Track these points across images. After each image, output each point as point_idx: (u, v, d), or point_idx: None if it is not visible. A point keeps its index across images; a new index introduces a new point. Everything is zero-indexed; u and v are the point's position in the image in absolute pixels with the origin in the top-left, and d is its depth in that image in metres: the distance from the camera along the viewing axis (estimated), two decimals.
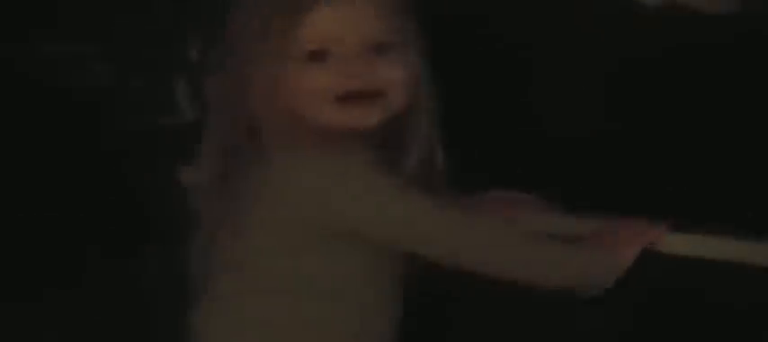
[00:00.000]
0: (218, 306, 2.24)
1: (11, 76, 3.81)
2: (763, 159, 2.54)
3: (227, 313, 2.23)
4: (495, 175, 2.50)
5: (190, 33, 3.04)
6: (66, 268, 3.69)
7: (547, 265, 2.19)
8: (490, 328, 2.81)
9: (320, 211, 2.09)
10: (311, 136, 2.09)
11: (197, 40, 3.06)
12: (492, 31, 2.88)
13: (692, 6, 2.60)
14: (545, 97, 2.77)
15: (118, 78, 3.68)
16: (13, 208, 3.75)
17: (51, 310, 3.44)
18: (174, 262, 2.28)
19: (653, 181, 2.58)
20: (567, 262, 2.20)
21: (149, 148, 3.07)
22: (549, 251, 2.19)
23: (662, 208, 2.31)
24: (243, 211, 2.14)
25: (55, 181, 3.68)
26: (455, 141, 2.24)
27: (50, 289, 3.22)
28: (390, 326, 2.26)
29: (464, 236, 2.16)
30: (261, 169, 2.11)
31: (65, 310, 3.32)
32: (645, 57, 2.66)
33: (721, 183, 2.56)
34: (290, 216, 2.11)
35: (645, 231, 2.23)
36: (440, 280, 2.23)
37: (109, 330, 3.44)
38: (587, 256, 2.22)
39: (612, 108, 2.70)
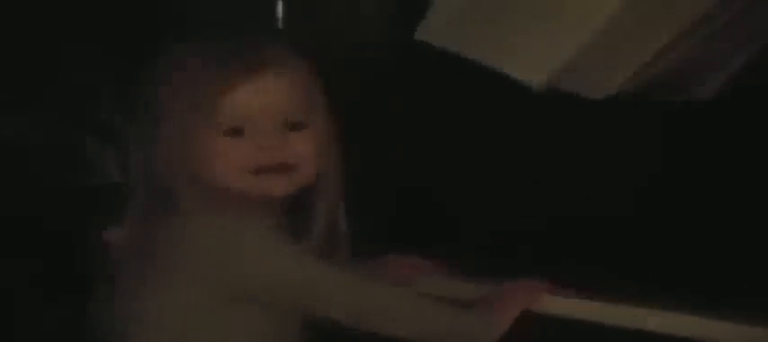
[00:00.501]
0: None
1: None
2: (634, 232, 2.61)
3: None
4: (394, 241, 2.57)
5: (115, 99, 3.03)
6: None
7: (435, 327, 2.27)
8: None
9: (221, 273, 2.18)
10: (223, 201, 2.19)
11: (122, 105, 3.04)
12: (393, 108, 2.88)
13: (573, 91, 2.60)
14: (439, 173, 2.80)
15: (47, 139, 3.73)
16: None
17: None
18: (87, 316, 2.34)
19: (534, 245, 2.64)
20: (453, 323, 2.29)
21: (76, 206, 3.08)
22: (437, 314, 2.29)
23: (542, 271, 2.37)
24: (156, 270, 2.22)
25: None
26: (359, 209, 2.39)
27: None
28: None
29: (361, 299, 2.25)
30: (175, 231, 2.19)
31: None
32: (528, 136, 2.75)
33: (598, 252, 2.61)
34: (195, 276, 2.19)
35: (526, 296, 2.32)
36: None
37: None
38: (471, 318, 2.31)
39: (499, 182, 2.76)
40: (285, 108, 2.21)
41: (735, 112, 2.63)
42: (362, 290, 2.27)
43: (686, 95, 2.60)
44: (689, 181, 2.65)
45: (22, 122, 3.07)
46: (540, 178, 2.78)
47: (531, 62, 2.58)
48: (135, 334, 2.29)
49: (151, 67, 2.26)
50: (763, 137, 2.63)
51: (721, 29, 2.59)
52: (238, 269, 2.18)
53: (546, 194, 2.74)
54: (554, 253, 2.65)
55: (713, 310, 2.21)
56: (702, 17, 2.55)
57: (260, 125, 2.18)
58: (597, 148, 2.74)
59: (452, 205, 2.79)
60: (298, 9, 3.50)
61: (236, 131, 2.17)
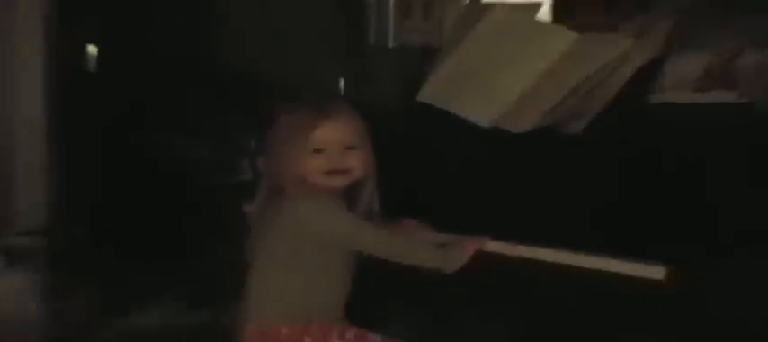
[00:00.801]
0: (260, 275, 2.65)
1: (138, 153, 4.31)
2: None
3: (267, 282, 2.64)
4: (405, 212, 2.78)
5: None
6: None
7: (423, 258, 2.60)
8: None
9: (310, 228, 2.55)
10: (309, 190, 2.55)
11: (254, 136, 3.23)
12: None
13: (506, 127, 2.75)
14: (426, 183, 2.93)
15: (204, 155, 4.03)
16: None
17: None
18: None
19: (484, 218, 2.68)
20: (434, 256, 2.61)
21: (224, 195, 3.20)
22: (425, 250, 2.63)
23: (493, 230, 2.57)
24: (274, 226, 2.58)
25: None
26: (385, 198, 2.66)
27: None
28: (348, 284, 2.65)
29: (384, 244, 2.59)
30: (284, 206, 2.55)
31: None
32: (472, 161, 2.84)
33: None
34: (296, 231, 2.56)
35: (477, 243, 2.61)
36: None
37: None
38: (444, 253, 2.61)
39: (460, 188, 2.86)
40: (343, 138, 2.57)
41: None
42: (385, 239, 2.61)
43: (565, 130, 2.68)
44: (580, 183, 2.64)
45: (202, 147, 3.18)
46: (488, 185, 2.82)
47: (483, 111, 2.81)
48: (260, 262, 2.64)
49: (270, 116, 2.60)
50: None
51: (585, 91, 2.68)
52: (320, 226, 2.56)
53: (491, 196, 2.79)
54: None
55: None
56: (583, 80, 2.69)
57: (332, 148, 2.55)
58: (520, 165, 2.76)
59: (432, 203, 2.86)
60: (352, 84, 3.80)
61: (318, 151, 2.55)
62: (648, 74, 2.65)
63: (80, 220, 4.26)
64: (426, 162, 2.98)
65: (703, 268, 2.17)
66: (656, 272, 2.22)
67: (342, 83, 4.04)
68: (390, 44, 5.56)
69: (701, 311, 2.15)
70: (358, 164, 2.61)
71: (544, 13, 3.49)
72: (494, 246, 2.59)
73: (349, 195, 2.64)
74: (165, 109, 4.46)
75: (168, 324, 3.66)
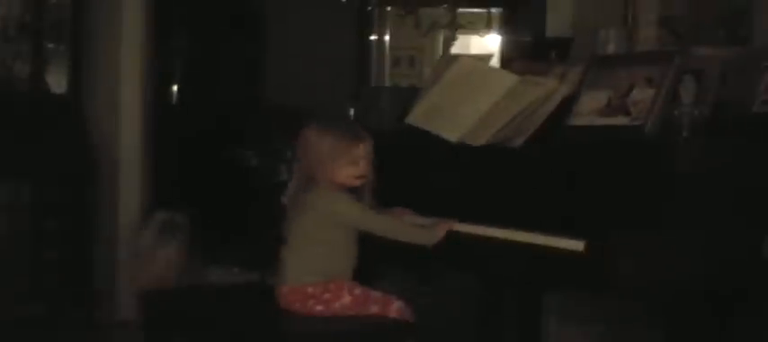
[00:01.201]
0: (291, 247, 2.63)
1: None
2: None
3: (298, 252, 2.62)
4: (397, 202, 2.72)
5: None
6: None
7: (410, 236, 2.57)
8: None
9: (332, 212, 2.57)
10: (335, 185, 2.56)
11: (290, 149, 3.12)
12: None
13: (468, 142, 2.68)
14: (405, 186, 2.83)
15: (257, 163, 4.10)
16: None
17: None
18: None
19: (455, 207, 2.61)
20: (418, 234, 2.58)
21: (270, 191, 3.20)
22: (411, 229, 2.60)
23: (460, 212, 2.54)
24: (304, 211, 2.57)
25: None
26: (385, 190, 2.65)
27: None
28: (355, 253, 2.63)
29: (382, 225, 2.59)
30: (312, 195, 2.56)
31: None
32: (445, 165, 2.78)
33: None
34: (320, 214, 2.57)
35: (448, 223, 2.55)
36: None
37: None
38: (427, 231, 2.57)
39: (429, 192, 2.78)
40: (370, 154, 2.59)
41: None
42: (385, 221, 2.61)
43: (509, 144, 2.60)
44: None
45: (255, 157, 3.05)
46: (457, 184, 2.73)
47: (452, 130, 2.76)
48: (292, 237, 2.62)
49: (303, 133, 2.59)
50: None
51: (523, 117, 2.64)
52: (338, 211, 2.57)
53: (458, 190, 2.71)
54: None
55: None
56: (522, 109, 2.65)
57: (363, 161, 2.58)
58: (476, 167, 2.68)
59: (417, 195, 2.76)
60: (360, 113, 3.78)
61: (354, 163, 2.57)
62: (568, 104, 2.61)
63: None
64: (413, 166, 2.92)
65: (609, 242, 2.12)
66: (576, 245, 2.19)
67: (352, 112, 3.98)
68: (386, 84, 5.55)
69: (609, 273, 2.10)
70: (368, 171, 2.60)
71: (494, 62, 3.48)
72: (460, 226, 2.55)
73: (355, 190, 2.61)
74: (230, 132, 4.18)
75: (232, 281, 3.53)
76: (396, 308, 2.57)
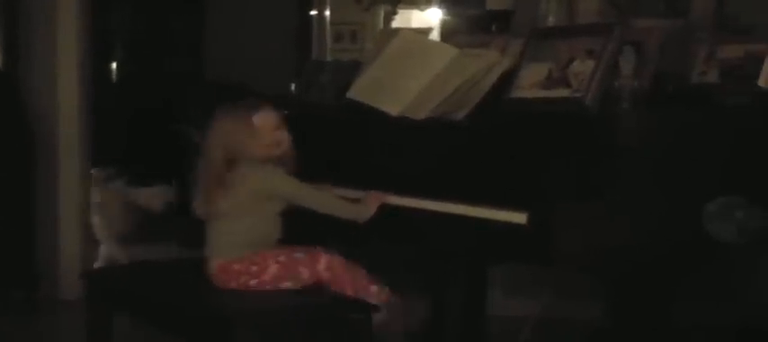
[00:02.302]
0: (218, 226, 2.60)
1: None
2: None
3: (223, 228, 2.59)
4: (337, 176, 2.73)
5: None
6: None
7: (341, 210, 2.57)
8: None
9: (268, 186, 2.57)
10: (260, 160, 2.56)
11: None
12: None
13: (410, 115, 2.64)
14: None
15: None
16: None
17: None
18: None
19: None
20: (349, 209, 2.57)
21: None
22: (342, 204, 2.58)
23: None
24: (233, 185, 2.54)
25: None
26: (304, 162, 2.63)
27: None
28: (279, 226, 2.63)
29: (313, 198, 2.58)
30: (241, 170, 2.54)
31: None
32: (386, 139, 2.73)
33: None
34: (254, 187, 2.56)
35: (381, 197, 2.55)
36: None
37: None
38: (357, 206, 2.57)
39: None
40: (273, 121, 2.58)
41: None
42: (319, 196, 2.60)
43: (451, 118, 2.58)
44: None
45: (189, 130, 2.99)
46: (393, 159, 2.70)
47: (393, 104, 2.73)
48: (218, 217, 2.59)
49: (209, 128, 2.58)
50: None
51: (465, 90, 2.61)
52: (275, 185, 2.57)
53: (400, 163, 2.67)
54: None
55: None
56: (463, 82, 2.61)
57: (264, 129, 2.56)
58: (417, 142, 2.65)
59: (359, 167, 2.77)
60: (301, 88, 3.57)
61: (260, 135, 2.55)
62: (509, 77, 2.58)
63: None
64: (354, 141, 2.90)
65: (551, 214, 2.10)
66: (519, 217, 2.17)
67: (293, 87, 3.93)
68: (328, 59, 5.52)
69: (551, 245, 2.08)
70: (285, 139, 2.58)
71: (434, 35, 3.45)
72: (402, 200, 2.52)
73: (280, 160, 2.61)
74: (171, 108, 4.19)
75: (174, 258, 3.38)
76: (324, 265, 2.55)
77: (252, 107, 2.56)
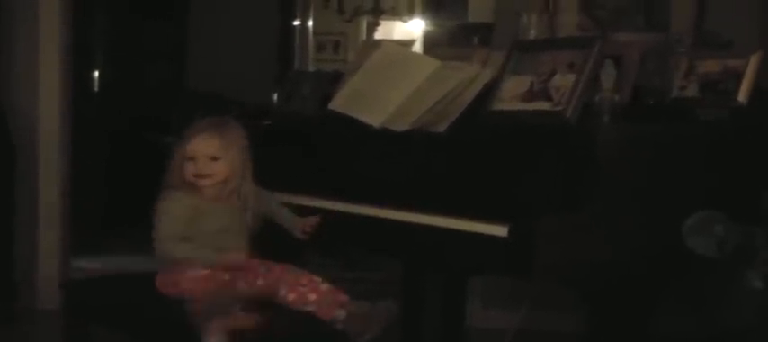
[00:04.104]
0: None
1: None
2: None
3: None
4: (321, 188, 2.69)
5: None
6: None
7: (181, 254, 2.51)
8: None
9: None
10: (188, 186, 2.52)
11: None
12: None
13: (390, 127, 2.64)
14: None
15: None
16: None
17: None
18: None
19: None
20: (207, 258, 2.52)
21: None
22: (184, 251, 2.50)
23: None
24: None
25: None
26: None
27: None
28: (218, 241, 2.53)
29: (161, 249, 2.50)
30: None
31: None
32: (368, 149, 2.73)
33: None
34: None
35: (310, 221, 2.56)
36: None
37: None
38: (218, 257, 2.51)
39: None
40: (210, 150, 2.50)
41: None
42: (165, 248, 2.50)
43: (432, 130, 2.57)
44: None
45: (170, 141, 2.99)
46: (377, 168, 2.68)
47: (375, 115, 2.71)
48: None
49: None
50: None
51: (446, 102, 2.60)
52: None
53: (382, 173, 2.64)
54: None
55: None
56: (444, 94, 2.61)
57: (200, 156, 2.50)
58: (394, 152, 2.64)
59: (344, 178, 2.73)
60: (283, 98, 3.49)
61: (191, 159, 2.50)
62: (490, 90, 2.57)
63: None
64: (336, 152, 2.88)
65: (532, 227, 2.07)
66: (500, 230, 2.15)
67: (275, 97, 3.93)
68: (310, 69, 5.52)
69: (532, 258, 2.06)
70: (221, 170, 2.50)
71: (417, 47, 3.51)
72: (383, 211, 2.47)
73: (223, 189, 2.55)
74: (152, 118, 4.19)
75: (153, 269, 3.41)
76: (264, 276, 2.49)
77: (192, 131, 2.53)
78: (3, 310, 4.24)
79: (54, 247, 4.44)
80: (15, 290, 4.33)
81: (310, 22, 6.25)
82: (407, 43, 3.18)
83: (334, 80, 2.99)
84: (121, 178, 5.86)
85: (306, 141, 2.88)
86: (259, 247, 2.58)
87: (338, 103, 2.85)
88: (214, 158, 2.49)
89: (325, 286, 2.47)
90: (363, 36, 5.81)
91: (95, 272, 4.63)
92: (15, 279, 4.35)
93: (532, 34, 2.96)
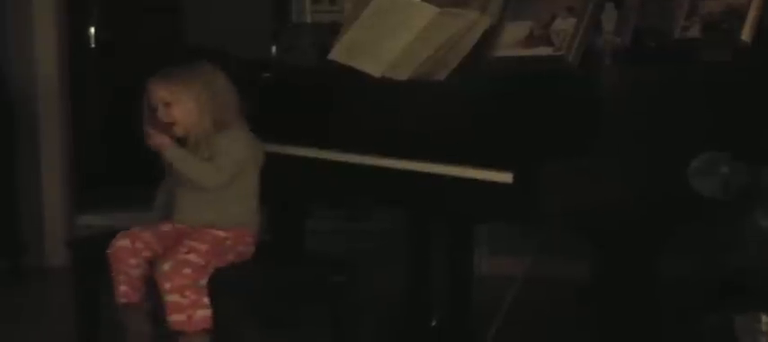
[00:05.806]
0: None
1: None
2: None
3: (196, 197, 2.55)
4: (323, 139, 2.66)
5: None
6: None
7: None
8: None
9: None
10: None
11: None
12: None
13: (391, 76, 2.62)
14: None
15: None
16: None
17: None
18: None
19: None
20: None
21: None
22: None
23: None
24: None
25: None
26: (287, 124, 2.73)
27: None
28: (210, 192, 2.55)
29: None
30: None
31: None
32: (368, 99, 2.70)
33: None
34: None
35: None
36: None
37: None
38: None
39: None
40: (157, 96, 2.50)
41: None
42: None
43: (432, 78, 2.54)
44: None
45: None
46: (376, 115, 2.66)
47: (375, 65, 2.70)
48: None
49: None
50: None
51: (446, 50, 2.57)
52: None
53: (383, 122, 2.61)
54: None
55: None
56: (443, 42, 2.58)
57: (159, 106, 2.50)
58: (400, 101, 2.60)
59: (341, 128, 2.72)
60: (281, 51, 3.51)
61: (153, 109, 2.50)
62: (490, 36, 2.54)
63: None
64: (337, 103, 2.85)
65: (536, 173, 2.06)
66: (504, 177, 2.12)
67: (273, 50, 3.87)
68: (308, 21, 5.46)
69: (537, 204, 2.04)
70: (179, 115, 2.48)
71: None
72: (387, 161, 2.43)
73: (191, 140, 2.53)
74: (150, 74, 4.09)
75: None
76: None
77: (151, 80, 2.50)
78: (10, 270, 4.24)
79: (58, 204, 4.42)
80: (22, 249, 4.33)
81: None
82: None
83: (333, 31, 2.95)
84: (122, 135, 5.81)
85: (307, 93, 2.85)
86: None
87: (338, 54, 2.83)
88: (167, 104, 2.45)
89: (189, 315, 2.40)
90: None
91: (101, 228, 4.58)
92: (21, 238, 4.34)
93: None
